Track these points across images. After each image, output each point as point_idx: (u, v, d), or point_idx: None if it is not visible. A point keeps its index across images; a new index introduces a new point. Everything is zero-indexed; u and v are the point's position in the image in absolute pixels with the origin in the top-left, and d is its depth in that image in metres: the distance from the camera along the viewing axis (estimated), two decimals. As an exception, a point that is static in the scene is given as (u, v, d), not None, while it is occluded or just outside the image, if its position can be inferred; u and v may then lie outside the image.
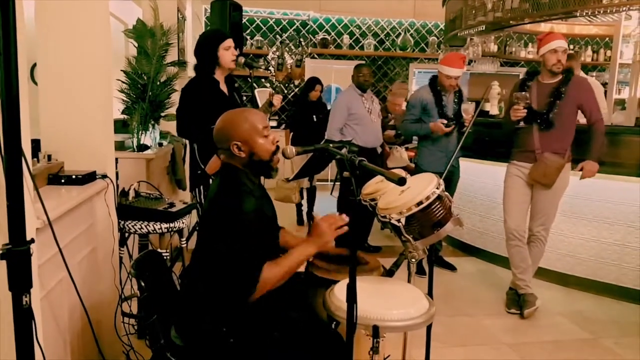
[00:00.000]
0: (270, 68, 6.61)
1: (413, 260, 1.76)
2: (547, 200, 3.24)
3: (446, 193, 1.70)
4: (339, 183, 4.43)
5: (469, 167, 4.17)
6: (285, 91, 5.66)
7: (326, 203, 5.12)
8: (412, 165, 4.60)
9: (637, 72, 5.00)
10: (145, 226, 2.31)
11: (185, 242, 2.62)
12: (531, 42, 7.66)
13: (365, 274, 1.82)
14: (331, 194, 6.62)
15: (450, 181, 3.85)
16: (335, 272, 1.84)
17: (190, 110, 2.65)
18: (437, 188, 1.64)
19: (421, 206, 1.59)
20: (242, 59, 2.85)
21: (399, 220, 1.59)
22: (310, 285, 1.90)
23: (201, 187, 2.79)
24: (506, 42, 7.38)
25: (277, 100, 2.96)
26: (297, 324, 1.73)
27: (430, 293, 2.04)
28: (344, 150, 1.43)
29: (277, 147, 1.74)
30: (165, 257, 2.30)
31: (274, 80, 7.49)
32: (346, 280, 1.68)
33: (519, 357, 2.73)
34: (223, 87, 2.82)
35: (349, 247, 1.31)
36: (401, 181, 1.10)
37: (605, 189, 3.52)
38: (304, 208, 5.38)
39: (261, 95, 7.13)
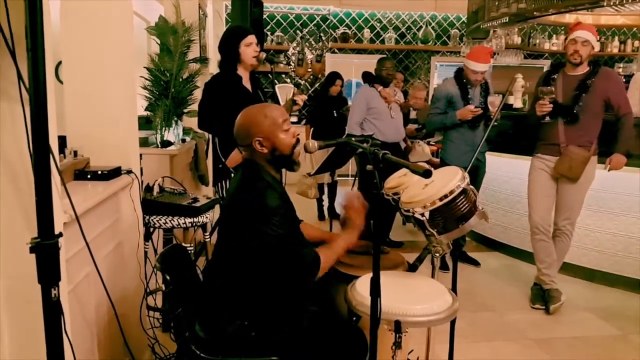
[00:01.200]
0: (291, 63, 6.62)
1: (437, 255, 1.74)
2: (572, 193, 3.18)
3: (471, 187, 1.68)
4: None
5: (492, 161, 4.10)
6: (310, 89, 5.63)
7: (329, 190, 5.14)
8: (436, 159, 4.55)
9: (667, 62, 4.86)
10: (170, 221, 2.34)
11: (208, 236, 2.65)
12: (555, 34, 7.49)
13: (388, 269, 1.81)
14: (352, 189, 6.63)
15: (476, 175, 3.79)
16: (357, 268, 1.84)
17: (212, 104, 2.67)
18: (462, 181, 1.62)
19: (445, 200, 1.57)
20: (263, 55, 2.86)
21: (422, 214, 1.58)
22: (331, 280, 1.90)
23: (223, 181, 2.82)
24: (530, 33, 7.23)
25: (301, 99, 2.97)
26: (318, 319, 1.74)
27: (454, 288, 2.02)
28: (366, 144, 1.41)
29: (298, 140, 1.74)
30: (189, 251, 2.34)
31: (295, 75, 7.50)
32: (368, 275, 1.68)
33: (545, 353, 2.69)
34: (246, 84, 2.83)
35: (372, 240, 1.30)
36: (426, 173, 1.08)
37: (632, 182, 3.44)
38: (325, 203, 5.38)
39: (282, 91, 7.15)
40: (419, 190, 1.66)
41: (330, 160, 2.69)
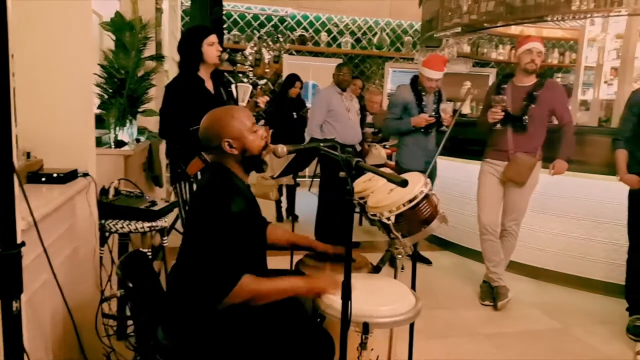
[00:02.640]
0: (247, 64, 6.57)
1: (399, 256, 1.80)
2: (518, 197, 3.37)
3: (433, 192, 1.75)
4: (318, 180, 4.45)
5: (443, 165, 4.26)
6: (273, 87, 5.60)
7: (305, 200, 5.15)
8: (391, 162, 4.66)
9: (600, 75, 5.21)
10: (127, 225, 2.28)
11: (166, 240, 2.59)
12: (502, 44, 7.87)
13: (353, 271, 1.84)
14: (309, 190, 6.65)
15: (429, 178, 3.94)
16: (322, 271, 1.86)
17: (175, 112, 2.62)
18: (425, 187, 1.68)
19: (410, 204, 1.63)
20: (225, 55, 2.83)
21: (388, 219, 1.63)
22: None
23: (182, 182, 2.77)
24: (478, 43, 7.55)
25: (263, 101, 2.97)
26: (286, 321, 1.75)
27: (413, 288, 2.09)
28: (337, 151, 1.44)
29: (266, 143, 1.76)
30: (147, 255, 2.28)
31: (252, 75, 7.45)
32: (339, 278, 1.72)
33: (495, 347, 2.82)
34: (208, 85, 2.81)
35: (345, 245, 1.33)
36: (403, 183, 1.12)
37: (572, 186, 3.68)
38: (284, 205, 5.39)
39: (239, 90, 7.07)
40: (385, 195, 1.71)
41: (294, 162, 2.70)
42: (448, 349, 2.77)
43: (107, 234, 2.32)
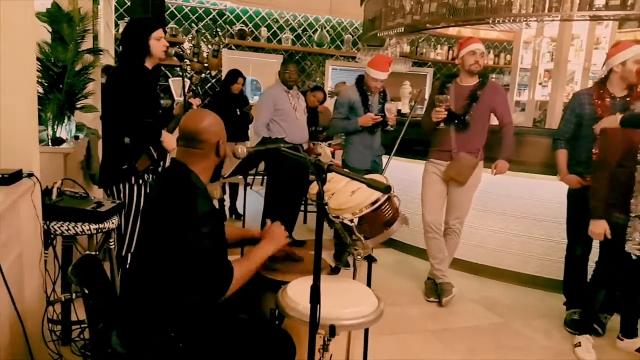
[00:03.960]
0: (195, 59, 6.37)
1: (359, 257, 1.83)
2: (461, 195, 3.48)
3: (395, 194, 1.79)
4: (259, 177, 4.41)
5: (390, 164, 4.34)
6: (204, 87, 5.43)
7: (247, 198, 5.09)
8: (337, 161, 4.70)
9: (535, 76, 5.52)
10: (73, 227, 2.14)
11: (113, 243, 2.47)
12: (439, 44, 8.15)
13: (310, 272, 1.85)
14: (250, 188, 6.59)
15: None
16: (282, 272, 1.86)
17: (127, 103, 2.51)
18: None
19: (373, 207, 1.66)
20: (172, 50, 2.76)
21: (351, 221, 1.64)
22: (255, 285, 1.90)
23: (120, 185, 2.65)
24: (417, 43, 7.78)
25: (196, 103, 2.93)
26: (245, 325, 1.73)
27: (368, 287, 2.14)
28: (304, 153, 1.44)
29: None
30: (99, 259, 2.17)
31: (190, 70, 7.23)
32: (299, 280, 1.72)
33: (442, 342, 2.93)
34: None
35: (315, 248, 1.33)
36: (387, 189, 1.13)
37: (511, 185, 3.85)
38: (226, 203, 5.29)
39: (175, 84, 6.85)
40: (347, 197, 1.73)
41: (244, 162, 2.67)
42: (399, 346, 2.84)
43: (51, 236, 2.18)
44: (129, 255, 2.63)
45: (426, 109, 3.65)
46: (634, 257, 2.61)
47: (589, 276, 3.14)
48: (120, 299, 1.70)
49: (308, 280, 1.67)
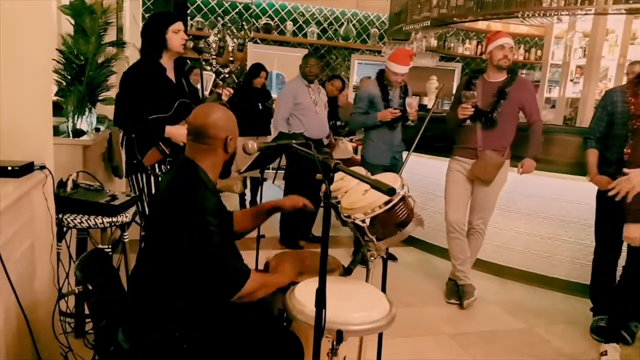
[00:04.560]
0: (213, 52, 6.38)
1: (372, 259, 1.76)
2: (486, 195, 3.37)
3: (409, 194, 1.71)
4: (282, 171, 4.38)
5: (409, 160, 4.26)
6: (237, 80, 5.43)
7: (269, 192, 5.07)
8: (357, 157, 4.64)
9: (566, 73, 5.32)
10: (86, 220, 2.15)
11: (127, 236, 2.47)
12: (468, 39, 7.96)
13: (324, 273, 1.80)
14: (273, 182, 6.58)
15: (393, 172, 3.94)
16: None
17: (132, 100, 2.52)
18: (401, 189, 1.64)
19: (386, 207, 1.59)
20: (190, 43, 2.73)
21: (363, 221, 1.58)
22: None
23: (138, 175, 2.66)
24: (445, 37, 7.60)
25: (226, 93, 2.90)
26: (253, 325, 1.70)
27: (383, 289, 2.07)
28: (313, 151, 1.38)
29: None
30: (109, 254, 2.17)
31: (215, 64, 7.26)
32: (307, 281, 1.67)
33: (459, 346, 2.84)
34: (170, 74, 2.69)
35: (321, 250, 1.27)
36: (390, 192, 1.07)
37: (539, 185, 3.71)
38: (247, 197, 5.29)
39: (208, 78, 6.88)
40: (359, 196, 1.66)
41: (260, 157, 2.63)
42: (413, 349, 2.77)
43: (64, 229, 2.19)
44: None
45: (452, 105, 3.54)
46: None
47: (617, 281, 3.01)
48: (128, 295, 1.68)
49: (316, 283, 1.62)
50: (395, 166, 3.96)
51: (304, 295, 1.56)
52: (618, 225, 2.92)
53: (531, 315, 3.31)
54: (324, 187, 2.01)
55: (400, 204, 1.63)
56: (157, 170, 2.62)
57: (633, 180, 2.35)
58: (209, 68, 7.21)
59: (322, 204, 1.20)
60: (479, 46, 7.99)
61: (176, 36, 2.62)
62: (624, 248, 3.00)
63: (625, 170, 2.36)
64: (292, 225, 4.28)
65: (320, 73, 4.68)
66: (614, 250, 3.00)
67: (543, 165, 3.48)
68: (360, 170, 1.80)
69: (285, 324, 1.69)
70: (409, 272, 3.99)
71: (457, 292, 3.44)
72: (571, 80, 5.41)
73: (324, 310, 1.28)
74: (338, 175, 1.89)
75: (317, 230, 4.55)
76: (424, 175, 4.44)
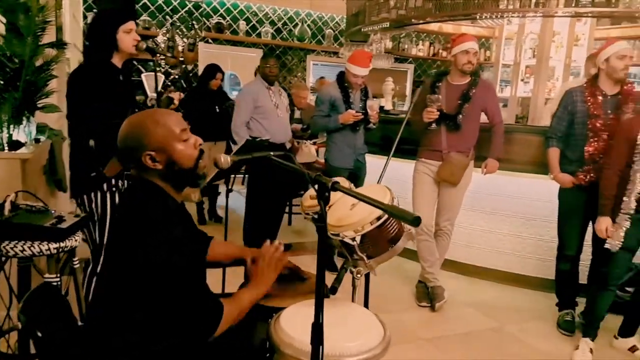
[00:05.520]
0: (167, 53, 6.06)
1: (358, 276, 1.63)
2: (453, 196, 3.37)
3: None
4: (240, 176, 4.18)
5: (374, 163, 4.18)
6: (191, 82, 5.16)
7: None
8: (321, 160, 4.51)
9: (517, 73, 5.42)
10: (29, 247, 1.87)
11: (77, 262, 2.21)
12: (421, 40, 8.00)
13: (308, 294, 1.64)
14: (229, 188, 6.32)
15: (358, 177, 3.88)
16: (273, 297, 1.64)
17: (89, 102, 2.26)
18: (392, 202, 1.52)
19: (377, 223, 1.45)
20: (143, 44, 2.51)
21: (354, 239, 1.44)
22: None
23: (92, 194, 2.39)
24: (399, 39, 7.62)
25: (177, 97, 2.70)
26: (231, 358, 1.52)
27: (366, 305, 1.95)
28: (303, 168, 1.22)
29: (202, 151, 1.49)
30: (57, 285, 1.92)
31: (164, 64, 6.92)
32: (294, 307, 1.51)
33: (439, 351, 2.78)
34: (120, 77, 2.46)
35: (317, 279, 1.12)
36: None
37: (501, 184, 3.74)
38: (205, 206, 5.03)
39: (149, 79, 6.52)
40: (346, 211, 1.52)
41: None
42: (394, 357, 2.66)
43: (3, 258, 1.92)
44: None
45: (415, 108, 3.49)
46: (613, 250, 2.61)
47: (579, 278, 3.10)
48: (82, 331, 1.46)
49: (304, 308, 1.47)
50: (359, 169, 3.92)
51: (291, 324, 1.39)
52: (580, 222, 3.00)
53: (501, 313, 3.32)
54: (307, 200, 1.87)
55: (391, 219, 1.50)
56: (113, 185, 2.37)
57: None
58: (158, 69, 6.85)
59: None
60: (432, 47, 8.07)
61: (128, 36, 2.40)
62: (586, 243, 3.07)
63: None
64: (258, 235, 4.08)
65: (279, 74, 4.51)
66: (577, 247, 3.06)
67: (505, 165, 3.50)
68: (381, 190, 1.63)
69: (267, 355, 1.52)
70: (378, 276, 3.85)
71: (427, 294, 3.41)
72: (522, 80, 5.52)
73: (321, 347, 1.12)
74: (318, 188, 1.74)
75: (282, 237, 4.38)
76: (390, 177, 4.35)
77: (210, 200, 5.12)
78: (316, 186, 1.10)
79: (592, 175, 2.88)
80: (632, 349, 2.79)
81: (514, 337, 3.00)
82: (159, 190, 1.41)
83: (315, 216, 1.64)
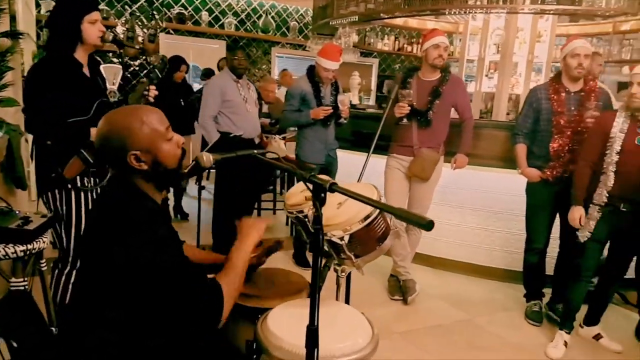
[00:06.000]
0: (135, 45, 5.83)
1: (342, 274, 1.62)
2: (423, 191, 3.41)
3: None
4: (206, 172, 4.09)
5: (345, 158, 4.19)
6: (161, 75, 4.97)
7: (193, 194, 4.75)
8: (291, 156, 4.47)
9: (482, 68, 5.53)
10: (-6, 251, 1.78)
11: (44, 264, 2.11)
12: (386, 35, 8.04)
13: (292, 294, 1.63)
14: (196, 183, 6.19)
15: (329, 172, 3.88)
16: (258, 298, 1.61)
17: (47, 101, 2.13)
18: (379, 199, 1.51)
19: (366, 222, 1.44)
20: (109, 35, 2.41)
21: (342, 238, 1.42)
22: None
23: (55, 191, 2.28)
24: (365, 33, 7.64)
25: (153, 95, 2.60)
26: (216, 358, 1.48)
27: (347, 301, 1.95)
28: (297, 168, 1.19)
29: (184, 151, 1.44)
30: (25, 289, 1.83)
31: (124, 55, 6.66)
32: (281, 308, 1.48)
33: (412, 345, 2.82)
34: (86, 70, 2.34)
35: (311, 282, 1.10)
36: (429, 225, 0.91)
37: (469, 179, 3.82)
38: (170, 202, 4.91)
39: (108, 72, 6.27)
40: (333, 210, 1.50)
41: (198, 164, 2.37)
42: (370, 354, 2.69)
43: (-38, 263, 1.80)
44: (74, 273, 2.26)
45: (388, 103, 3.51)
46: (582, 240, 2.70)
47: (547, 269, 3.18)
48: (59, 342, 1.39)
49: (290, 308, 1.45)
50: (330, 164, 3.91)
51: (278, 325, 1.37)
52: (548, 216, 3.10)
53: (471, 305, 3.39)
54: (290, 198, 1.83)
55: (379, 217, 1.49)
56: (78, 184, 2.26)
57: None
58: (116, 60, 6.60)
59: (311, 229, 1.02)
60: (397, 41, 8.13)
61: (93, 27, 2.27)
62: (554, 236, 3.17)
63: None
64: (227, 233, 4.01)
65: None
66: (544, 239, 3.15)
67: (472, 160, 3.56)
68: (368, 189, 1.60)
69: (254, 356, 1.50)
70: (352, 272, 3.91)
71: (399, 288, 3.45)
72: (486, 75, 5.63)
73: (316, 350, 1.10)
74: (302, 185, 1.71)
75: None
76: (359, 171, 4.37)
77: (176, 196, 5.00)
78: (310, 186, 1.07)
79: (558, 170, 2.97)
80: (597, 337, 2.91)
81: (484, 329, 3.08)
82: (140, 191, 1.36)
83: (300, 215, 1.61)
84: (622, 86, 5.78)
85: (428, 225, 0.90)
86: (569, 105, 2.96)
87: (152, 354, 1.30)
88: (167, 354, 1.32)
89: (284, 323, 1.37)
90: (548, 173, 3.00)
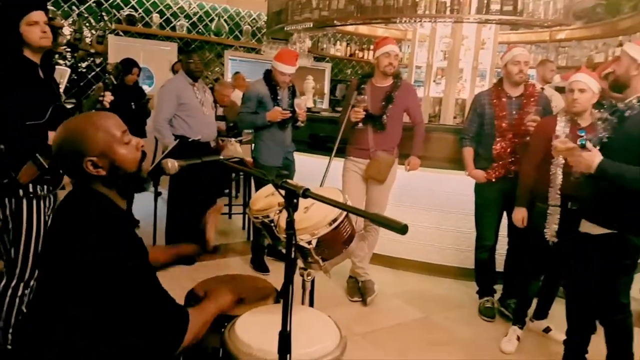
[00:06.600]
0: (89, 49, 5.62)
1: (308, 278, 1.65)
2: (380, 193, 3.51)
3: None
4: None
5: (302, 160, 4.22)
6: (116, 81, 4.79)
7: (145, 198, 4.61)
8: (249, 159, 4.46)
9: (430, 74, 5.73)
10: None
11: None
12: (338, 41, 8.19)
13: (259, 300, 1.64)
14: (158, 191, 6.02)
15: (287, 175, 3.90)
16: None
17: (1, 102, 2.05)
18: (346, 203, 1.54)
19: (333, 225, 1.48)
20: (63, 39, 2.32)
21: (310, 242, 1.45)
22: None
23: (6, 200, 2.19)
24: (318, 39, 7.75)
25: (108, 100, 2.55)
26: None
27: (311, 304, 1.98)
28: (267, 174, 1.21)
29: (144, 153, 1.44)
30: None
31: (70, 57, 6.41)
32: (248, 315, 1.49)
33: (373, 346, 2.88)
34: (40, 72, 2.26)
35: (283, 287, 1.12)
36: (404, 229, 0.95)
37: (420, 180, 3.92)
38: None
39: (56, 73, 6.01)
40: (301, 214, 1.52)
41: (156, 169, 2.34)
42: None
43: None
44: (21, 286, 2.17)
45: (343, 108, 3.60)
46: (550, 244, 2.75)
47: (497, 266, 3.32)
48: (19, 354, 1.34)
49: (257, 315, 1.47)
50: (288, 167, 3.95)
51: (246, 331, 1.38)
52: (496, 214, 3.26)
53: (426, 303, 3.50)
54: (256, 203, 1.84)
55: (345, 221, 1.54)
56: (30, 191, 2.17)
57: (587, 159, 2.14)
58: (62, 62, 6.34)
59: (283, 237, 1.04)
60: (349, 47, 8.29)
61: (33, 29, 2.16)
62: (502, 234, 3.33)
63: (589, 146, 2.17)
64: (181, 237, 3.95)
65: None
66: (493, 237, 3.32)
67: (424, 162, 3.66)
68: (335, 193, 1.64)
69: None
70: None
71: (358, 289, 3.52)
72: (434, 81, 5.84)
73: (289, 356, 1.13)
74: (267, 190, 1.73)
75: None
76: (317, 175, 4.40)
77: (128, 201, 4.85)
78: (283, 193, 1.10)
79: (500, 171, 3.15)
80: (546, 329, 3.08)
81: (440, 326, 3.19)
82: (103, 197, 1.34)
83: (266, 220, 1.63)
84: (559, 91, 6.16)
85: (402, 229, 0.95)
86: (510, 109, 3.15)
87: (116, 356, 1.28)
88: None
89: (253, 330, 1.38)
90: (490, 173, 3.18)
